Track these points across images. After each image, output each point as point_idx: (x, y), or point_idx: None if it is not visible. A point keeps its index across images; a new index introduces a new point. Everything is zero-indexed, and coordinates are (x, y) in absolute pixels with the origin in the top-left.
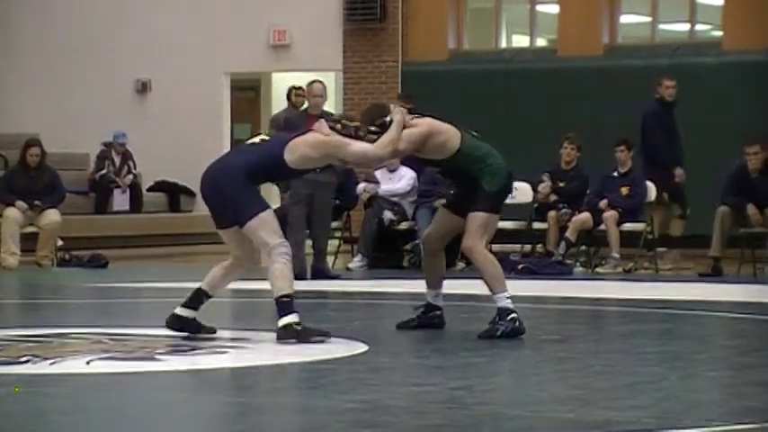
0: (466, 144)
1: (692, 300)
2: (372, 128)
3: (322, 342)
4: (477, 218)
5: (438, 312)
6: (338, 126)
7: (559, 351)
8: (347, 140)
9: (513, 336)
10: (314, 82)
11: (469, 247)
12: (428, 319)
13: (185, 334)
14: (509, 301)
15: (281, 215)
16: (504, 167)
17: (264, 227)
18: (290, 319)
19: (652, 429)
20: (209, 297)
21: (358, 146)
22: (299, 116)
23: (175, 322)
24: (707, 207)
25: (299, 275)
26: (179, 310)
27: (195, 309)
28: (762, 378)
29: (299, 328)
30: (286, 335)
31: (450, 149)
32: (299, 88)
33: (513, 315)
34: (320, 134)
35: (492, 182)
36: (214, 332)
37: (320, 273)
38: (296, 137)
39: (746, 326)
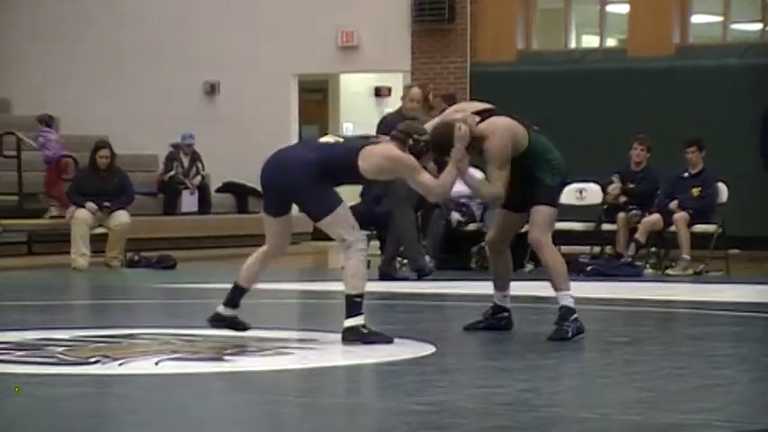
0: (532, 140)
1: (764, 302)
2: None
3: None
4: (542, 211)
5: (506, 314)
6: (410, 141)
7: (628, 353)
8: (417, 166)
9: (579, 335)
10: (412, 86)
11: (537, 240)
12: (495, 320)
13: (244, 333)
14: (572, 300)
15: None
16: (562, 161)
17: (341, 222)
18: (358, 321)
19: None
20: (247, 291)
21: (425, 179)
22: (395, 118)
23: (218, 321)
24: None
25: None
26: (221, 309)
27: (236, 306)
28: None
29: (365, 331)
30: (352, 336)
31: (521, 148)
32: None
33: (576, 315)
34: (396, 148)
35: (554, 176)
36: (249, 328)
37: (387, 274)
38: (368, 144)
39: None
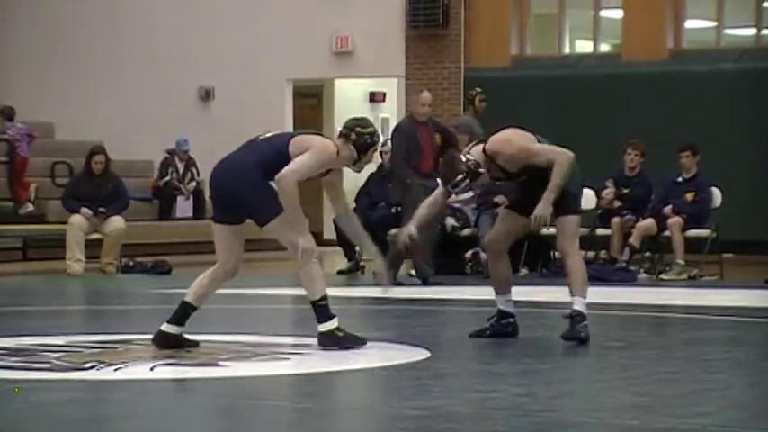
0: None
1: (758, 306)
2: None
3: (360, 348)
4: (571, 221)
5: (511, 319)
6: (353, 135)
7: (623, 358)
8: (318, 151)
9: (587, 341)
10: (423, 91)
11: (566, 249)
12: (501, 327)
13: (235, 339)
14: (585, 307)
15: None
16: (577, 169)
17: (288, 224)
18: (332, 325)
19: None
20: (195, 309)
21: (301, 160)
22: (409, 123)
23: (162, 339)
24: None
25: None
26: (165, 327)
27: (182, 324)
28: None
29: (340, 334)
30: (329, 342)
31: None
32: (482, 92)
33: (586, 322)
34: (324, 139)
35: (574, 183)
36: (197, 345)
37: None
38: (299, 134)
39: None
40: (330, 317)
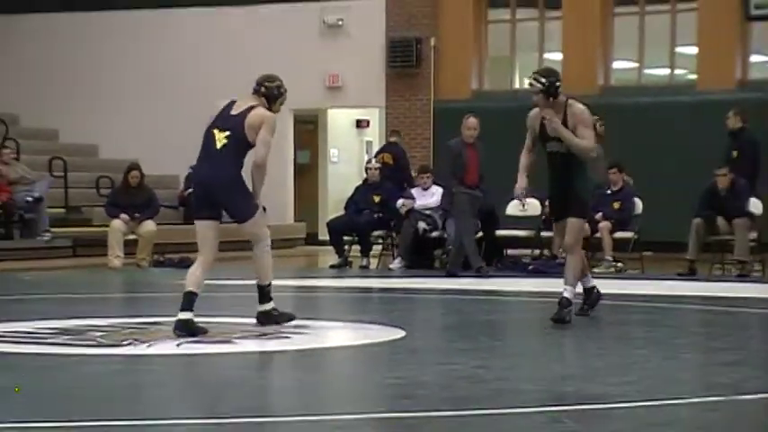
0: None
1: (672, 295)
2: (555, 82)
3: (291, 321)
4: (579, 223)
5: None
6: (263, 89)
7: (562, 337)
8: (271, 127)
9: (568, 323)
10: (470, 117)
11: (572, 246)
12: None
13: (239, 322)
14: (572, 294)
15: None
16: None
17: (259, 223)
18: (270, 305)
19: (638, 401)
20: (197, 295)
21: (264, 138)
22: (458, 143)
23: (182, 327)
24: (684, 218)
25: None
26: (182, 315)
27: (191, 310)
28: (728, 359)
29: (275, 313)
30: (267, 320)
31: None
32: (601, 119)
33: (571, 308)
34: (263, 108)
35: (586, 189)
36: (206, 332)
37: (453, 273)
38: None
39: (716, 317)
40: (270, 299)
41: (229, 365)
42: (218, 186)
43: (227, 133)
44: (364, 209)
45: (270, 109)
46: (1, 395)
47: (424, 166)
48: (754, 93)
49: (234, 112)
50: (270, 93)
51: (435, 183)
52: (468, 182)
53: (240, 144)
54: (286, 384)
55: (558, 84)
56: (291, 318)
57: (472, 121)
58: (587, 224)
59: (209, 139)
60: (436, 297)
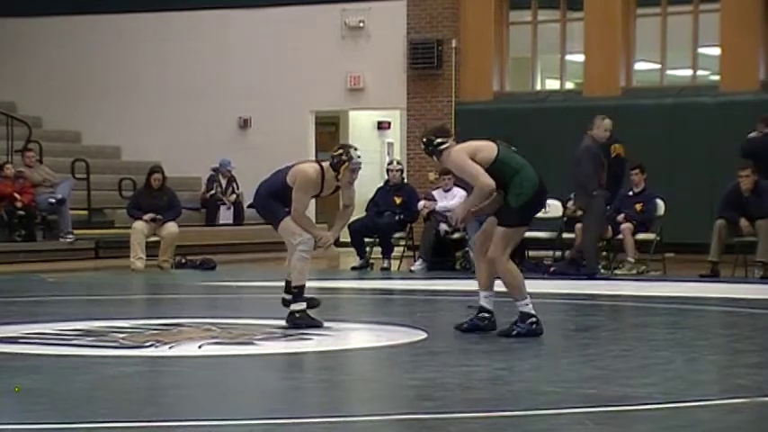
0: (501, 154)
1: (695, 296)
2: (434, 140)
3: (318, 328)
4: (500, 232)
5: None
6: (333, 160)
7: (585, 338)
8: (302, 188)
9: (530, 336)
10: (605, 118)
11: (492, 259)
12: (478, 320)
13: (275, 322)
14: (529, 306)
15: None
16: (532, 183)
17: (289, 229)
18: (301, 305)
19: (660, 403)
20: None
21: (296, 199)
22: (592, 144)
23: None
24: (707, 220)
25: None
26: (295, 306)
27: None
28: (752, 361)
29: (302, 314)
30: (293, 320)
31: (489, 159)
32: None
33: (533, 319)
34: (307, 167)
35: (518, 197)
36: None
37: (564, 273)
38: (292, 166)
39: (739, 318)
40: (302, 300)
41: (251, 367)
42: None
43: None
44: (385, 210)
45: (337, 174)
46: (24, 397)
47: (445, 168)
48: None
49: None
50: (334, 161)
51: (457, 185)
52: (602, 182)
53: None
54: (307, 386)
55: (436, 141)
56: (318, 324)
57: (608, 122)
58: (610, 225)
59: None
60: (458, 299)
